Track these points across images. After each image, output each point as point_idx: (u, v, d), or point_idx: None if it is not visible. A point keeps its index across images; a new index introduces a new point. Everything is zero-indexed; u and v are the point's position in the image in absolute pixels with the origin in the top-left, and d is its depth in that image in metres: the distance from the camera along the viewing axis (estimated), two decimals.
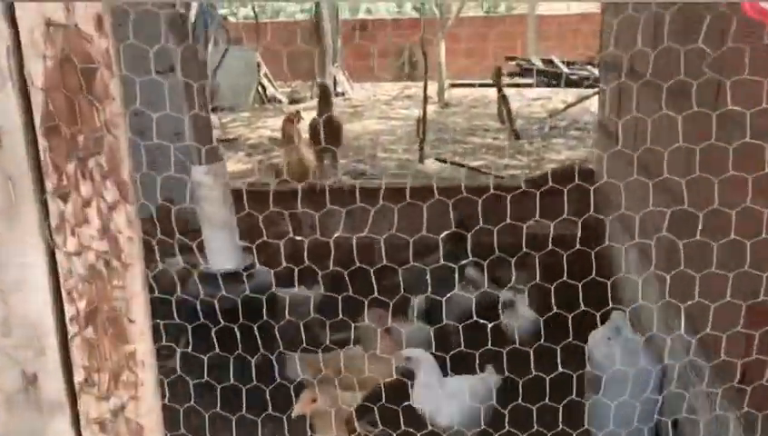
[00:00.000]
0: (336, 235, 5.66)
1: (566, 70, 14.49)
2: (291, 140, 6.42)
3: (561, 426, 3.58)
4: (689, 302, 3.04)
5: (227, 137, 10.35)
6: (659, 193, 3.51)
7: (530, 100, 12.62)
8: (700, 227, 2.71)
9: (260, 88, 14.02)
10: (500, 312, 4.32)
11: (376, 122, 11.57)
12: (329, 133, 5.62)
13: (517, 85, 13.38)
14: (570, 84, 13.00)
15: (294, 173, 6.12)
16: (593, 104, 11.94)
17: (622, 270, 4.40)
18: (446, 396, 3.46)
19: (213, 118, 11.01)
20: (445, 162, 8.73)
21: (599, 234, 5.17)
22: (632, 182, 4.00)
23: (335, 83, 13.85)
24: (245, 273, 3.81)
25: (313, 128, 5.73)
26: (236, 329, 3.37)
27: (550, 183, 5.46)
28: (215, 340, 3.10)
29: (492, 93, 11.41)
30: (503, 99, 10.41)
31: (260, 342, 3.31)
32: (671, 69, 3.05)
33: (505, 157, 9.34)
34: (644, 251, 3.97)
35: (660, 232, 3.48)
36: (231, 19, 15.42)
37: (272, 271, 4.98)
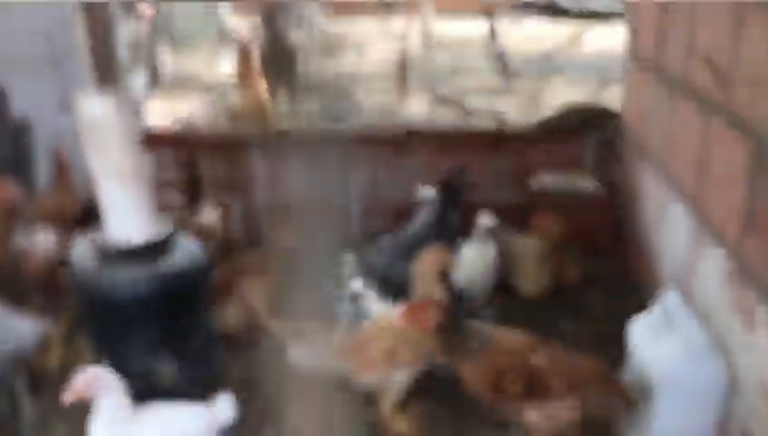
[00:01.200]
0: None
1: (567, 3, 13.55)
2: (247, 77, 5.43)
3: None
4: None
5: (181, 75, 9.34)
6: (727, 135, 2.59)
7: (525, 36, 11.65)
8: None
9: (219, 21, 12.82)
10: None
11: (354, 60, 10.54)
12: (279, 64, 4.57)
13: (510, 21, 12.40)
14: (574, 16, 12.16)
15: (250, 117, 5.18)
16: (590, 41, 11.04)
17: (668, 238, 3.49)
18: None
19: (167, 55, 9.96)
20: (437, 100, 7.76)
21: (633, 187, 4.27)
22: (684, 119, 3.09)
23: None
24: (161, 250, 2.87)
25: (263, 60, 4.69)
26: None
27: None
28: None
29: (483, 28, 10.40)
30: (495, 35, 9.48)
31: None
32: None
33: (498, 99, 8.42)
34: (704, 212, 3.05)
35: (730, 185, 2.58)
36: None
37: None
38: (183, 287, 2.89)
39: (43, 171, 4.88)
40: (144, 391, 2.73)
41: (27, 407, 3.25)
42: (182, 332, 2.91)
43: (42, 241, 3.36)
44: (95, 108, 2.63)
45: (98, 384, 2.47)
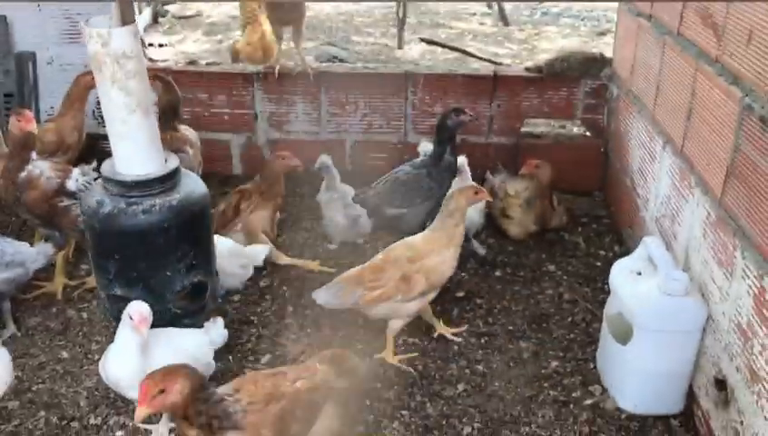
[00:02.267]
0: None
1: None
2: (252, 16, 5.43)
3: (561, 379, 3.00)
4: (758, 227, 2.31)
5: (185, 14, 9.17)
6: (718, 86, 2.69)
7: None
8: None
9: None
10: None
11: (350, 1, 10.40)
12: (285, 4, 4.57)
13: None
14: None
15: (254, 56, 5.19)
16: None
17: (654, 184, 3.62)
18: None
19: None
20: (432, 43, 7.73)
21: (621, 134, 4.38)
22: (675, 69, 3.17)
23: None
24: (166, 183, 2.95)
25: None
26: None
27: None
28: None
29: None
30: None
31: None
32: None
33: (493, 44, 8.39)
34: (689, 160, 3.17)
35: (717, 135, 2.68)
36: None
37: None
38: (193, 216, 2.98)
39: (44, 101, 4.91)
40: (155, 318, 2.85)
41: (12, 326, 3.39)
42: (191, 261, 3.01)
43: (42, 171, 3.42)
44: (117, 39, 2.66)
45: (145, 316, 2.61)
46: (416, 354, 3.30)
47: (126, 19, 2.70)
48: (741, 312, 2.53)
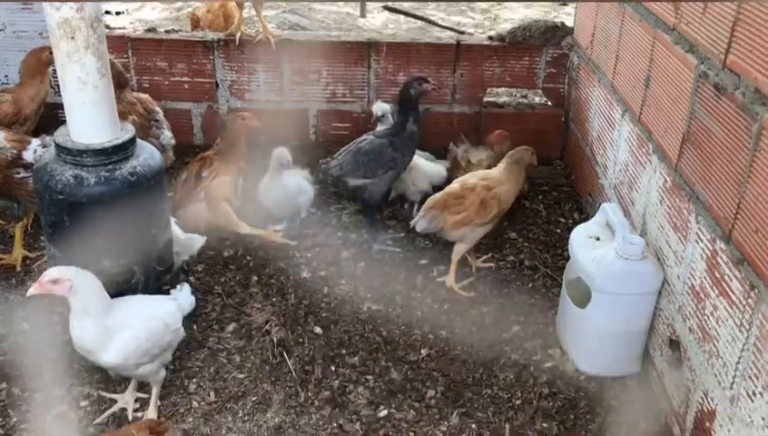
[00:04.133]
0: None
1: None
2: None
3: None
4: (711, 192, 2.39)
5: None
6: (675, 54, 2.74)
7: None
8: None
9: None
10: None
11: None
12: None
13: None
14: None
15: (215, 23, 5.13)
16: None
17: (613, 152, 3.69)
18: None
19: None
20: (396, 11, 7.69)
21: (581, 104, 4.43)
22: (634, 37, 3.22)
23: None
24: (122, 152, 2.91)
25: None
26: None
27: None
28: None
29: None
30: None
31: None
32: None
33: (456, 14, 8.38)
34: (647, 127, 3.23)
35: (673, 103, 2.74)
36: None
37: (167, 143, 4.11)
38: (150, 186, 2.95)
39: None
40: (116, 287, 2.83)
41: None
42: (149, 228, 2.99)
43: None
44: (90, 3, 2.61)
45: (66, 283, 2.53)
46: (472, 279, 3.65)
47: None
48: (694, 275, 2.61)
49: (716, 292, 2.44)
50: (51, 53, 3.85)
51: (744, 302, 2.25)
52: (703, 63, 2.60)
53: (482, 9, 8.55)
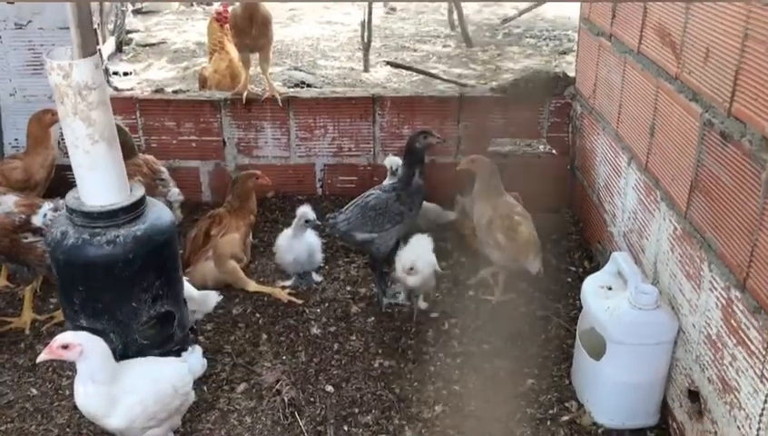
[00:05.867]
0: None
1: None
2: (219, 43, 5.48)
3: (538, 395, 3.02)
4: (722, 239, 2.36)
5: (149, 42, 9.15)
6: (678, 103, 2.75)
7: (481, 5, 11.66)
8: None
9: None
10: None
11: (315, 26, 10.45)
12: (252, 26, 4.54)
13: None
14: None
15: (222, 83, 5.21)
16: (547, 9, 11.13)
17: (620, 200, 3.68)
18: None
19: (136, 21, 9.74)
20: (398, 66, 7.78)
21: (587, 154, 4.44)
22: (636, 86, 3.25)
23: None
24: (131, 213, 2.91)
25: (234, 22, 4.66)
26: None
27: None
28: None
29: None
30: (454, 3, 9.45)
31: None
32: None
33: (457, 66, 8.49)
34: (654, 175, 3.23)
35: (679, 151, 2.73)
36: None
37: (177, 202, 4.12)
38: (160, 246, 2.94)
39: (8, 133, 4.84)
40: (124, 348, 2.80)
41: None
42: (159, 290, 2.97)
43: (4, 206, 3.37)
44: (79, 71, 2.63)
45: (77, 348, 2.52)
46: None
47: (87, 50, 2.67)
48: (710, 324, 2.58)
49: (734, 341, 2.40)
50: (54, 114, 3.93)
51: (764, 352, 2.21)
52: (707, 111, 2.61)
53: (483, 60, 8.66)
